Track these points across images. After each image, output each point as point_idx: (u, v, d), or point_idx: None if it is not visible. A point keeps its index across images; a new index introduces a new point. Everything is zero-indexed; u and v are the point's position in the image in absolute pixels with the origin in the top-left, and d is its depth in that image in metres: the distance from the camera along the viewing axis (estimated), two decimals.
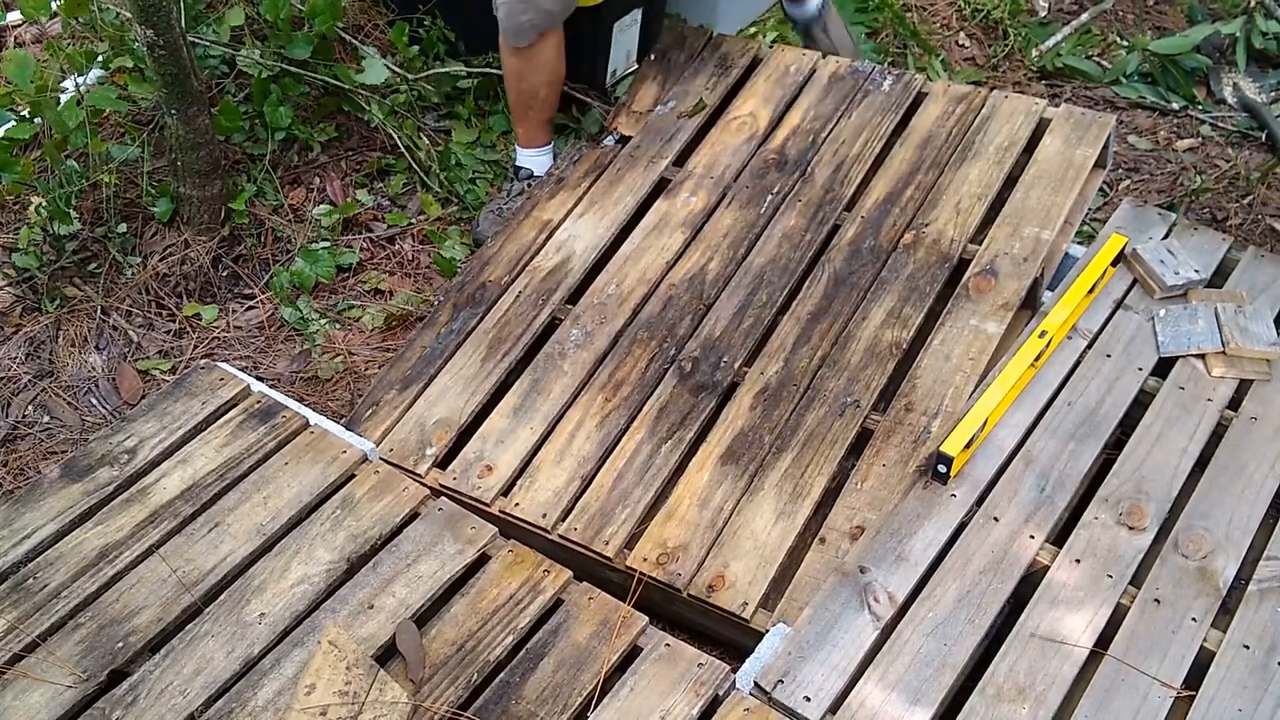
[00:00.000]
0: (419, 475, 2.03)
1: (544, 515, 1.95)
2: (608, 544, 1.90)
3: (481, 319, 2.28)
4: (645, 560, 1.87)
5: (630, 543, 1.91)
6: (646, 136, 2.58)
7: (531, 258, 2.37)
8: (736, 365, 2.13)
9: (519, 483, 2.01)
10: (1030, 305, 2.19)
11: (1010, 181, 2.36)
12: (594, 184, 2.50)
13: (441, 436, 2.08)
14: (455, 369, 2.20)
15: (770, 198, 2.40)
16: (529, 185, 2.66)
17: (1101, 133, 2.40)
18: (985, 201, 2.32)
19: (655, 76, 2.73)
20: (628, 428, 2.06)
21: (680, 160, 2.54)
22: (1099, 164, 2.41)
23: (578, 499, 1.98)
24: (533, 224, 2.44)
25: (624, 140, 2.58)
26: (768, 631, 1.73)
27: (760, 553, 1.86)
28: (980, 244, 2.24)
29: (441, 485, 2.01)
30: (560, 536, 1.93)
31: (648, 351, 2.18)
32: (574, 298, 2.30)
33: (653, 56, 2.77)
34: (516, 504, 1.98)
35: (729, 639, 1.87)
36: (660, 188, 2.49)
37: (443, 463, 2.06)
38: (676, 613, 1.90)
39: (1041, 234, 2.24)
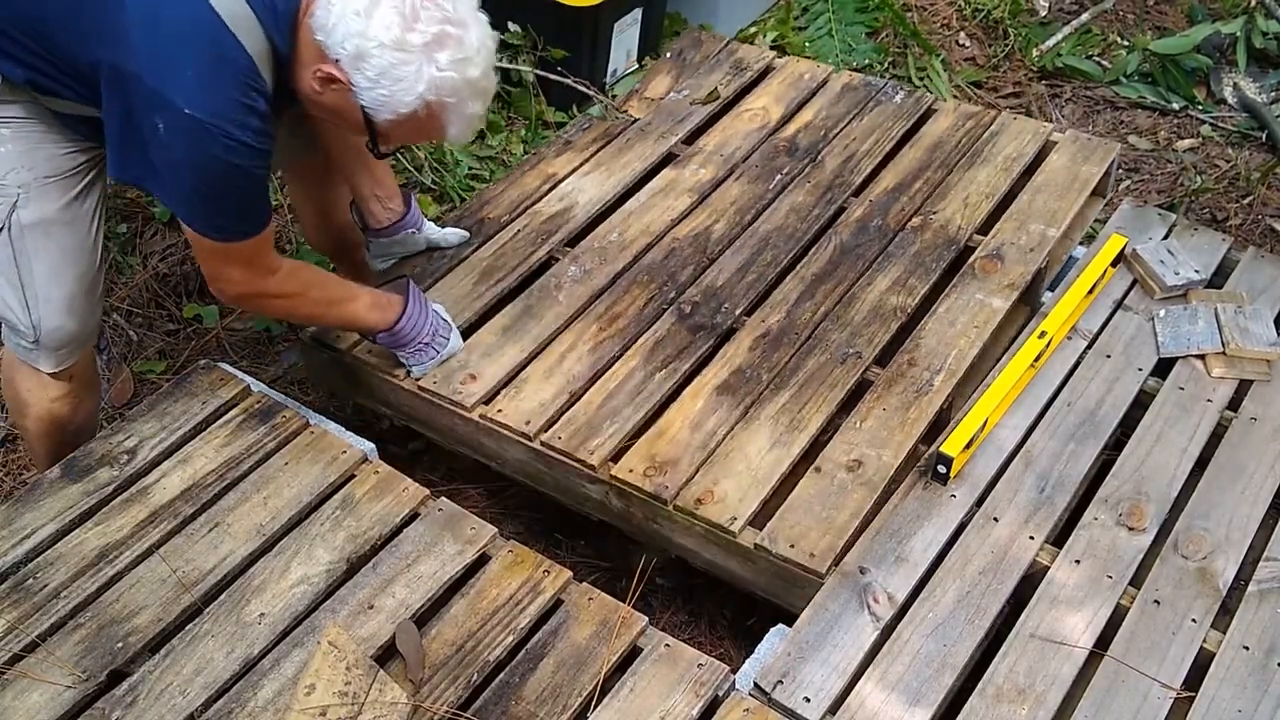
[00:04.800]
0: (396, 380, 2.01)
1: (527, 423, 1.92)
2: (593, 454, 1.87)
3: (477, 249, 2.27)
4: (632, 471, 1.84)
5: (616, 457, 1.88)
6: (658, 116, 2.60)
7: (534, 203, 2.38)
8: (737, 313, 2.12)
9: (503, 392, 1.99)
10: (1030, 300, 2.20)
11: (1016, 190, 2.38)
12: (602, 149, 2.52)
13: None
14: (445, 287, 2.18)
15: (779, 177, 2.42)
16: None
17: (1106, 156, 2.42)
18: (993, 200, 2.34)
19: (669, 71, 2.75)
20: (621, 355, 2.05)
21: (690, 140, 2.56)
22: (1099, 191, 2.42)
23: (564, 411, 1.95)
24: (537, 175, 2.45)
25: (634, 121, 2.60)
26: (754, 546, 1.73)
27: (753, 474, 1.83)
28: (987, 235, 2.27)
29: (420, 389, 1.99)
30: (543, 444, 1.91)
31: (647, 292, 2.17)
32: (574, 242, 2.30)
33: (669, 55, 2.79)
34: (499, 411, 1.95)
35: (713, 566, 1.83)
36: (668, 160, 2.50)
37: None
38: (655, 534, 1.86)
39: (1048, 230, 2.26)
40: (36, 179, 1.74)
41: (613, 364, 2.03)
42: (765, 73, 2.73)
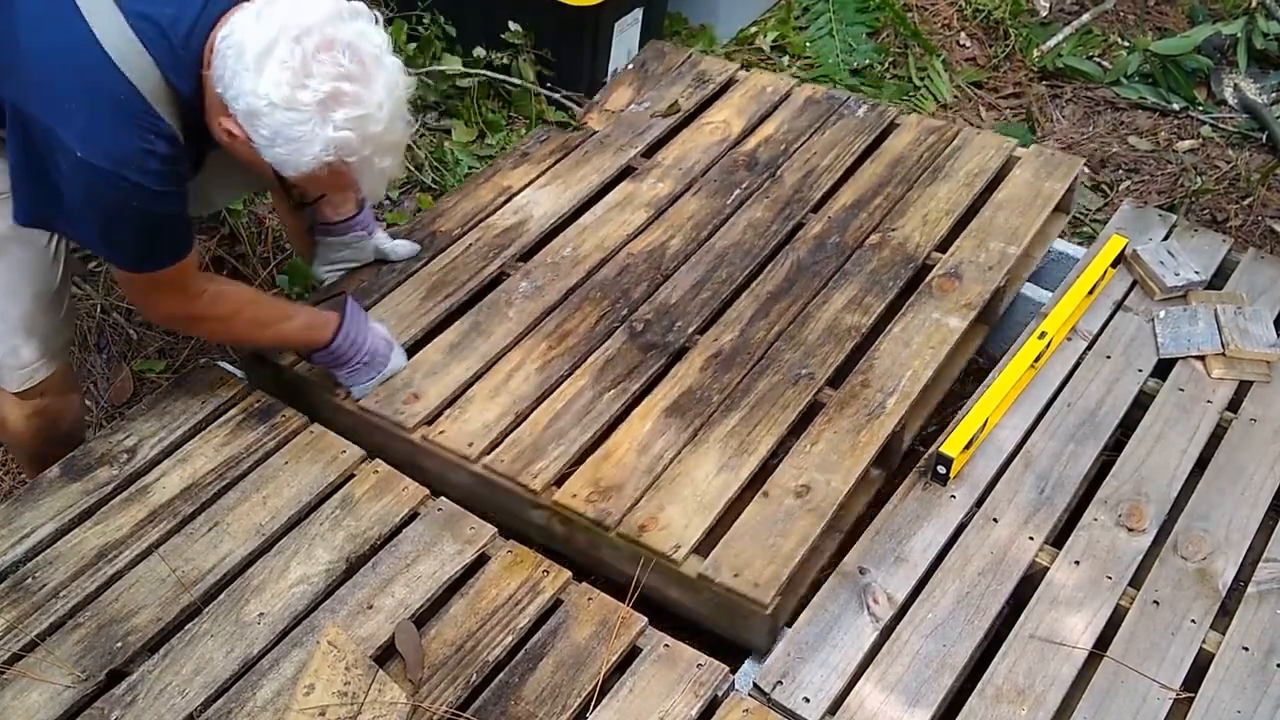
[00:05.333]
0: (337, 398, 1.98)
1: (470, 444, 1.89)
2: (535, 478, 1.84)
3: (426, 263, 2.24)
4: (575, 497, 1.81)
5: (560, 481, 1.85)
6: (618, 128, 2.59)
7: (487, 216, 2.35)
8: (690, 331, 2.10)
9: (447, 413, 1.95)
10: (988, 318, 2.18)
11: (977, 207, 2.36)
12: (559, 161, 2.50)
13: None
14: (392, 303, 2.15)
15: (738, 192, 2.40)
16: None
17: (1070, 172, 2.40)
18: (953, 217, 2.31)
19: (631, 83, 2.75)
20: (570, 374, 2.02)
21: (649, 153, 2.54)
22: (1062, 208, 2.40)
23: (509, 434, 1.91)
24: (492, 188, 2.42)
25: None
26: (697, 576, 1.68)
27: (699, 500, 1.80)
28: (945, 252, 2.24)
29: (361, 408, 1.95)
30: (485, 467, 1.87)
31: (599, 309, 2.14)
32: (527, 256, 2.27)
33: (630, 66, 2.78)
34: (441, 432, 1.91)
35: (655, 594, 1.77)
36: (626, 174, 2.48)
37: None
38: (599, 561, 1.82)
39: (1008, 248, 2.23)
40: None
41: (561, 383, 2.00)
42: (728, 85, 2.71)
